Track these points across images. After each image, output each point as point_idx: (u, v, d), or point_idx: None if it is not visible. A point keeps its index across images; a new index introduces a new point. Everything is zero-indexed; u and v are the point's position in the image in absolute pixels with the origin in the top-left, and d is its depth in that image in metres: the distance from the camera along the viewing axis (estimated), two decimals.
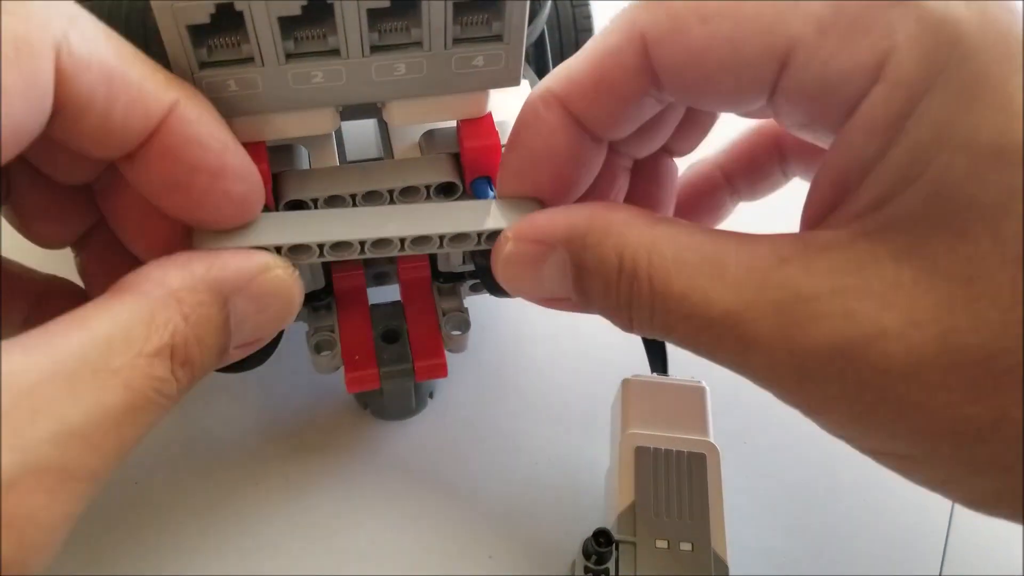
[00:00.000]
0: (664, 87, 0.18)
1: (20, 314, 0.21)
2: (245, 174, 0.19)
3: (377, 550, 0.25)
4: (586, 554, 0.21)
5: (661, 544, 0.21)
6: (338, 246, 0.20)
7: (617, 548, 0.21)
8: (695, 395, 0.24)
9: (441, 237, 0.21)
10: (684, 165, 0.25)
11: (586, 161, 0.20)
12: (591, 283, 0.18)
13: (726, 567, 0.21)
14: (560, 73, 0.19)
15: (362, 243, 0.20)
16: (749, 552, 0.25)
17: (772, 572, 0.25)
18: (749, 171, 0.25)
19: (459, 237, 0.21)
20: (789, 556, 0.25)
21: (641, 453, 0.23)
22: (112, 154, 0.17)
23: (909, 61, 0.15)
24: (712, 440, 0.23)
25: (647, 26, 0.17)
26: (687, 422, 0.23)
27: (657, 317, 0.17)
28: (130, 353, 0.16)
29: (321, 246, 0.20)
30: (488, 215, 0.21)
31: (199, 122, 0.18)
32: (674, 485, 0.22)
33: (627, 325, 0.18)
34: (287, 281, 0.19)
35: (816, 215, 0.17)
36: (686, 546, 0.21)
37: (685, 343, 0.18)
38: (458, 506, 0.26)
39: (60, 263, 0.23)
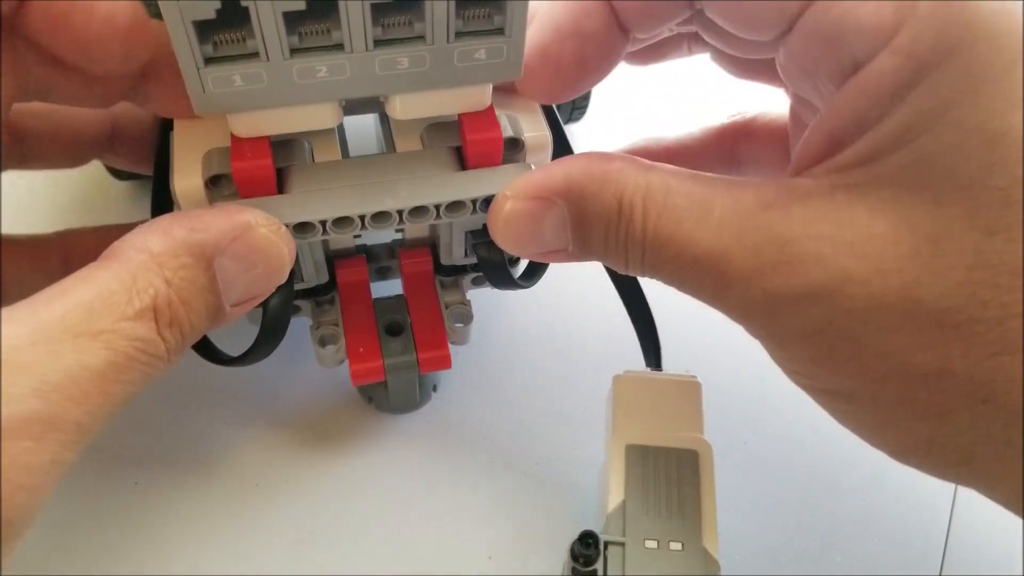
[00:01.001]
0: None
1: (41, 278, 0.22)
2: (127, 7, 0.19)
3: (378, 549, 0.25)
4: (573, 556, 0.21)
5: (651, 544, 0.21)
6: (339, 221, 0.21)
7: (605, 549, 0.21)
8: (689, 390, 0.24)
9: (437, 207, 0.22)
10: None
11: (609, 52, 0.20)
12: (591, 231, 0.19)
13: (718, 566, 0.21)
14: None
15: (362, 217, 0.21)
16: (748, 552, 0.25)
17: (771, 572, 0.25)
18: (696, 161, 0.26)
19: (455, 205, 0.22)
20: (789, 556, 0.26)
21: (632, 451, 0.22)
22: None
23: (925, 35, 0.16)
24: (705, 437, 0.23)
25: None
26: (680, 418, 0.23)
27: (648, 257, 0.19)
28: (112, 317, 0.17)
29: (323, 223, 0.21)
30: (482, 182, 0.22)
31: None
32: (664, 483, 0.22)
33: (623, 266, 0.19)
34: (271, 239, 0.20)
35: (803, 164, 0.18)
36: (676, 545, 0.21)
37: (672, 281, 0.19)
38: (459, 505, 0.26)
39: None
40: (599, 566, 0.20)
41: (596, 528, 0.21)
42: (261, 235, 0.19)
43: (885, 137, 0.17)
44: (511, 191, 0.20)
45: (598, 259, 0.20)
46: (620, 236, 0.19)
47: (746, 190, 0.18)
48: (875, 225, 0.16)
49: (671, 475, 0.22)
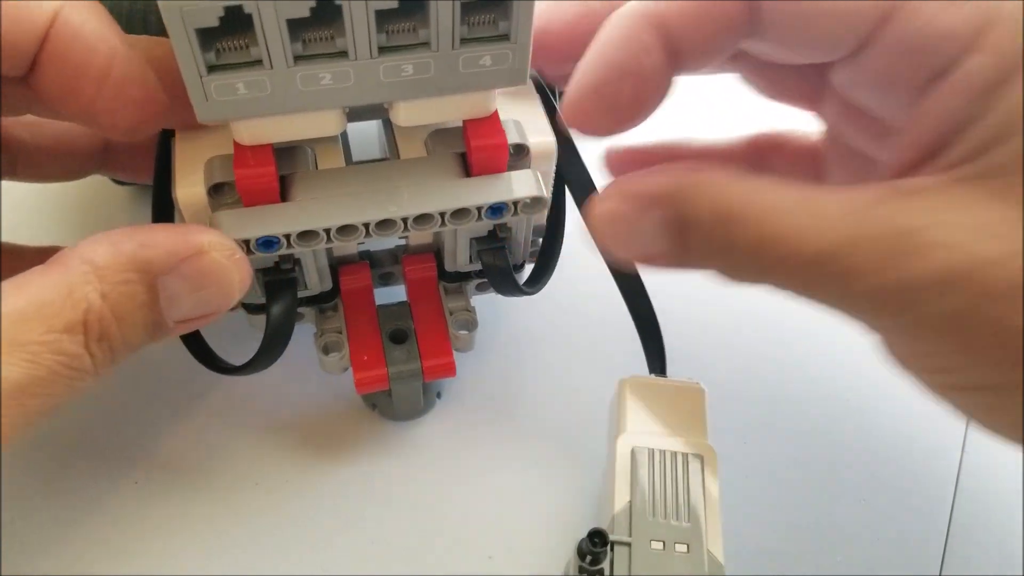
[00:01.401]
0: (764, 20, 0.18)
1: None
2: (139, 79, 0.19)
3: (378, 550, 0.25)
4: (581, 554, 0.21)
5: (656, 545, 0.21)
6: (343, 229, 0.21)
7: (612, 549, 0.21)
8: (693, 396, 0.24)
9: (442, 214, 0.22)
10: None
11: (664, 88, 0.20)
12: (693, 235, 0.18)
13: (722, 568, 0.21)
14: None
15: (366, 225, 0.21)
16: (748, 552, 0.25)
17: (772, 572, 0.25)
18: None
19: (460, 212, 0.22)
20: (789, 556, 0.25)
21: (638, 454, 0.22)
22: (12, 73, 0.18)
23: (1010, 34, 0.16)
24: (710, 442, 0.23)
25: None
26: (685, 423, 0.23)
27: (757, 260, 0.18)
28: (40, 329, 0.17)
29: (328, 231, 0.21)
30: (487, 189, 0.22)
31: (84, 24, 0.18)
32: (670, 487, 0.22)
33: (729, 272, 0.19)
34: (223, 264, 0.19)
35: (903, 171, 0.18)
36: (682, 547, 0.21)
37: (785, 283, 0.18)
38: (462, 506, 0.26)
39: None
40: (605, 565, 0.21)
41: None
42: (212, 260, 0.19)
43: (987, 134, 0.17)
44: (608, 190, 0.19)
45: (700, 266, 0.19)
46: (725, 241, 0.18)
47: (854, 189, 0.17)
48: (1001, 210, 0.16)
49: (676, 479, 0.22)
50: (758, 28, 0.19)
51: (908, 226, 0.17)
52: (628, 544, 0.21)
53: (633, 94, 0.19)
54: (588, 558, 0.21)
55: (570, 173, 0.26)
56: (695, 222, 0.18)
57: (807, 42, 0.19)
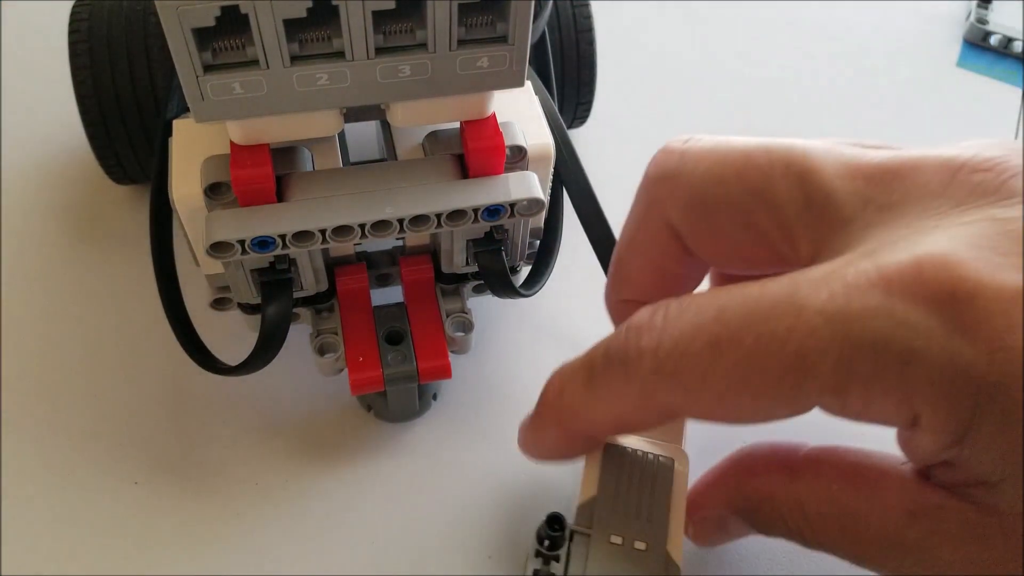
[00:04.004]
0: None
1: None
2: None
3: (378, 551, 0.25)
4: (539, 539, 0.21)
5: (616, 540, 0.21)
6: (339, 230, 0.21)
7: (571, 538, 0.21)
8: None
9: (438, 215, 0.22)
10: None
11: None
12: (770, 532, 0.21)
13: (679, 569, 0.21)
14: (582, 414, 0.21)
15: (362, 226, 0.21)
16: (747, 552, 0.25)
17: (771, 572, 0.25)
18: None
19: (456, 214, 0.22)
20: (788, 556, 0.25)
21: (611, 450, 0.23)
22: None
23: (940, 415, 0.16)
24: (684, 448, 0.23)
25: (663, 404, 0.19)
26: (663, 427, 0.23)
27: (826, 550, 0.20)
28: None
29: (323, 231, 0.21)
30: (484, 191, 0.22)
31: None
32: (638, 485, 0.22)
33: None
34: None
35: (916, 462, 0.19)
36: (641, 545, 0.21)
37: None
38: (459, 506, 0.26)
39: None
40: (563, 552, 0.21)
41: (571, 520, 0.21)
42: None
43: (965, 480, 0.18)
44: (688, 518, 0.22)
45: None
46: (797, 539, 0.21)
47: (888, 494, 0.19)
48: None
49: (645, 479, 0.22)
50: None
51: (934, 556, 0.18)
52: (588, 535, 0.21)
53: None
54: (546, 543, 0.21)
55: (569, 178, 0.26)
56: (765, 528, 0.21)
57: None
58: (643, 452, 0.23)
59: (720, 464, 0.23)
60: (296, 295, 0.24)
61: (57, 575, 0.24)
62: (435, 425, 0.28)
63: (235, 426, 0.28)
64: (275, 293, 0.23)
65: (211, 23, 0.17)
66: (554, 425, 0.21)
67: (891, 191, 0.18)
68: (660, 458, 0.22)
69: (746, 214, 0.20)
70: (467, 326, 0.26)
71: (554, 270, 0.27)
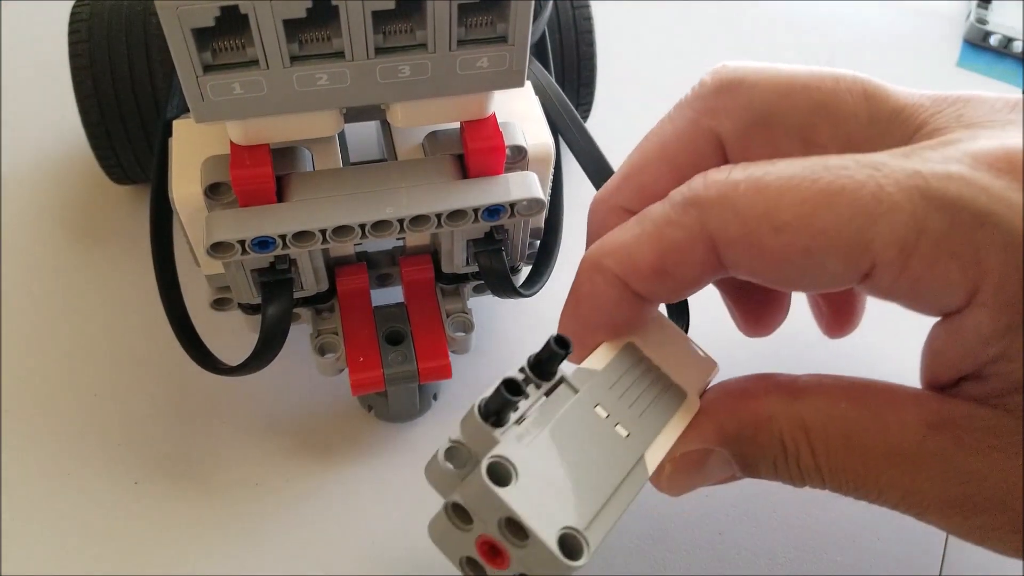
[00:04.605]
0: (735, 274, 0.18)
1: None
2: None
3: (378, 551, 0.25)
4: (534, 359, 0.18)
5: (601, 412, 0.19)
6: (339, 230, 0.21)
7: (560, 382, 0.19)
8: (704, 365, 0.22)
9: (438, 216, 0.22)
10: None
11: (641, 318, 0.21)
12: (758, 466, 0.20)
13: (646, 475, 0.19)
14: (618, 250, 0.19)
15: (362, 226, 0.21)
16: (748, 552, 0.25)
17: (771, 572, 0.25)
18: None
19: (456, 214, 0.22)
20: (789, 556, 0.25)
21: (631, 348, 0.21)
22: None
23: (1007, 287, 0.16)
24: (697, 399, 0.21)
25: (717, 231, 0.18)
26: (684, 370, 0.21)
27: (828, 484, 0.19)
28: None
29: (323, 232, 0.21)
30: (484, 191, 0.22)
31: None
32: (643, 389, 0.20)
33: (802, 486, 0.20)
34: None
35: (935, 381, 0.19)
36: (622, 431, 0.19)
37: (862, 500, 0.19)
38: None
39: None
40: (542, 390, 0.18)
41: None
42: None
43: (1013, 373, 0.17)
44: (669, 458, 0.20)
45: (771, 480, 0.20)
46: (792, 469, 0.19)
47: (904, 409, 0.18)
48: None
49: (653, 388, 0.20)
50: (727, 270, 0.19)
51: (969, 472, 0.17)
52: (575, 391, 0.19)
53: (609, 335, 0.20)
54: (539, 362, 0.18)
55: (583, 158, 0.26)
56: (759, 458, 0.19)
57: (793, 290, 0.20)
58: (660, 369, 0.21)
59: (708, 395, 0.21)
60: (296, 295, 0.24)
61: (57, 575, 0.24)
62: (435, 425, 0.28)
63: (235, 426, 0.28)
64: (275, 293, 0.23)
65: (211, 23, 0.17)
66: (590, 266, 0.20)
67: (960, 106, 0.18)
68: (674, 385, 0.21)
69: (807, 129, 0.19)
70: (467, 326, 0.26)
71: (554, 270, 0.27)
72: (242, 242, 0.21)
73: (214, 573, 0.25)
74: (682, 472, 0.20)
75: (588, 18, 0.32)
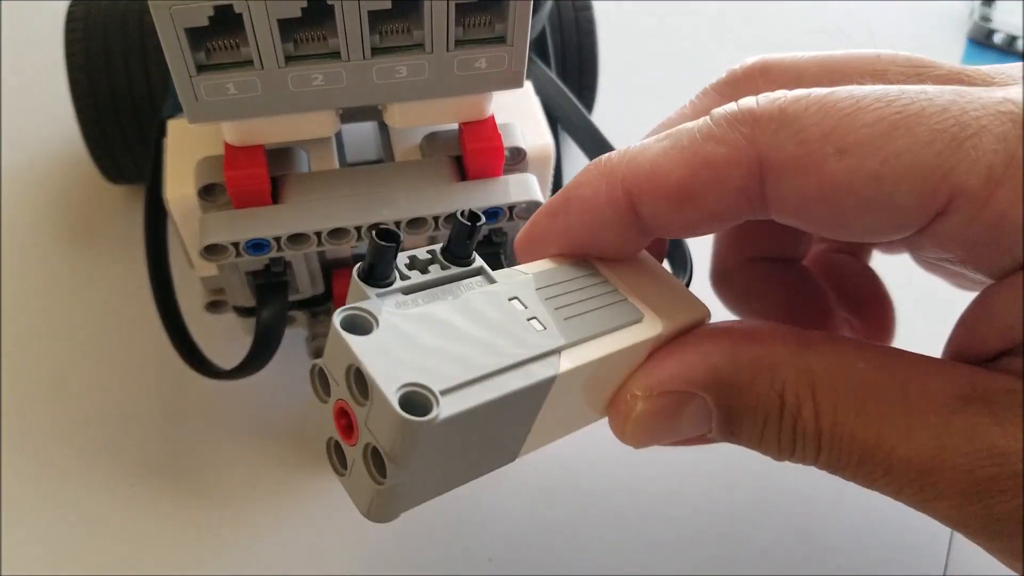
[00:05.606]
0: (776, 213, 0.16)
1: None
2: None
3: (377, 552, 0.25)
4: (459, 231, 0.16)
5: (517, 306, 0.16)
6: (335, 233, 0.21)
7: (480, 273, 0.16)
8: (687, 303, 0.18)
9: (436, 218, 0.21)
10: None
11: (625, 252, 0.18)
12: (743, 423, 0.17)
13: (554, 370, 0.15)
14: (639, 161, 0.16)
15: (358, 228, 0.21)
16: (749, 552, 0.25)
17: (773, 572, 0.25)
18: None
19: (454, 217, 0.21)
20: (791, 556, 0.25)
21: (585, 264, 0.18)
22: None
23: None
24: (660, 324, 0.17)
25: (769, 149, 0.15)
26: (654, 303, 0.18)
27: (825, 456, 0.16)
28: None
29: (319, 234, 0.21)
30: (483, 193, 0.22)
31: None
32: (581, 300, 0.17)
33: (786, 459, 0.17)
34: None
35: (970, 353, 0.17)
36: (537, 326, 0.16)
37: (858, 482, 0.16)
38: (458, 508, 0.26)
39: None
40: (447, 270, 0.16)
41: None
42: None
43: None
44: (642, 387, 0.17)
45: (748, 447, 0.17)
46: (785, 432, 0.16)
47: (931, 377, 0.16)
48: None
49: (596, 301, 0.17)
50: (773, 216, 0.16)
51: (997, 447, 0.15)
52: (493, 281, 0.16)
53: (586, 251, 0.18)
54: (449, 241, 0.16)
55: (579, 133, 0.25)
56: (748, 411, 0.17)
57: (845, 235, 0.16)
58: (619, 291, 0.18)
59: (704, 330, 0.18)
60: (292, 298, 0.24)
61: (55, 575, 0.24)
62: None
63: (231, 428, 0.27)
64: (270, 296, 0.23)
65: (204, 23, 0.17)
66: (600, 171, 0.17)
67: (1013, 70, 0.16)
68: (629, 303, 0.17)
69: None
70: None
71: None
72: (236, 244, 0.20)
73: (211, 574, 0.25)
74: (654, 416, 0.17)
75: (591, 21, 0.31)
